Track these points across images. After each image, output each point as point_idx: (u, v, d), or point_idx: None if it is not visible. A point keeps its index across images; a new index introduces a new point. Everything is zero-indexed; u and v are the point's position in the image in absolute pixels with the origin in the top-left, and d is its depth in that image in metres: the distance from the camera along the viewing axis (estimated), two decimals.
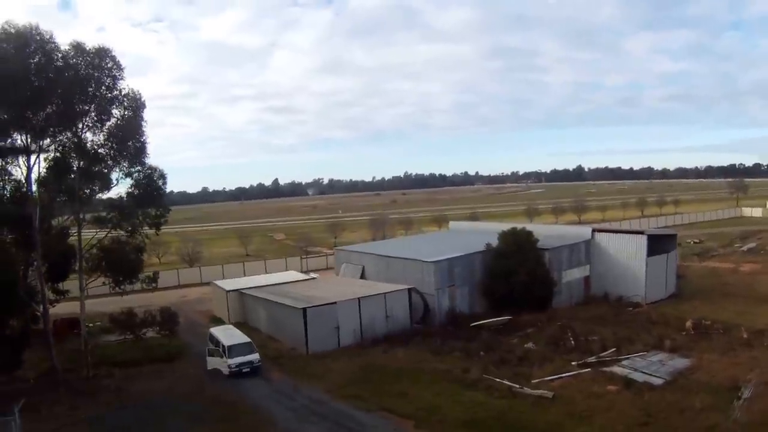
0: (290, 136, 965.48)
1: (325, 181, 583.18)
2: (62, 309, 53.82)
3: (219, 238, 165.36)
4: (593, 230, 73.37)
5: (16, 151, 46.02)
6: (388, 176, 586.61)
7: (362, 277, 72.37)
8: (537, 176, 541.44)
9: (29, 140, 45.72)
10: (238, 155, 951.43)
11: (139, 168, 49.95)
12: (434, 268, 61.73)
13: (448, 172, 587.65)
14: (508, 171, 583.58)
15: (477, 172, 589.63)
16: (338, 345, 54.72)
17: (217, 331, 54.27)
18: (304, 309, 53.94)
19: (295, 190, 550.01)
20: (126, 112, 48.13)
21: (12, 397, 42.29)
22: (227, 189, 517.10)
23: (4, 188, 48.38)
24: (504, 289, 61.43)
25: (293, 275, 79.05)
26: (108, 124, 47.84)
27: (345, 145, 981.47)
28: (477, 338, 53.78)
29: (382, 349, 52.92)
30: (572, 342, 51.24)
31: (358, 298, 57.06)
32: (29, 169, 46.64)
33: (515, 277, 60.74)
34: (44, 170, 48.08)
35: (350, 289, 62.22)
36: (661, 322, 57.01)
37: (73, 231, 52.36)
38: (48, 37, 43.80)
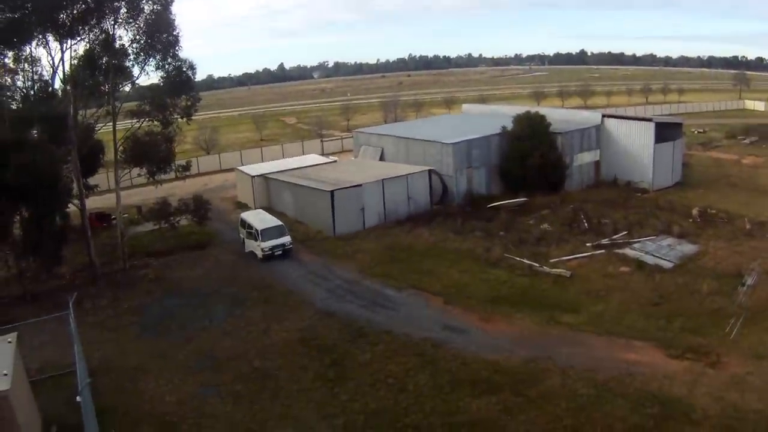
0: (294, 20, 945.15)
1: (330, 64, 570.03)
2: (89, 204, 54.77)
3: (232, 124, 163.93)
4: (603, 116, 73.89)
5: None
6: (392, 58, 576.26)
7: (381, 158, 73.62)
8: (540, 59, 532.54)
9: (59, 40, 45.65)
10: (242, 41, 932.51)
11: (170, 60, 50.08)
12: (453, 149, 63.08)
13: (452, 54, 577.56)
14: (511, 53, 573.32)
15: (480, 54, 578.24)
16: (363, 226, 56.75)
17: (248, 215, 55.48)
18: (332, 192, 55.36)
19: (301, 73, 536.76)
20: (155, 7, 48.09)
21: (52, 294, 44.26)
22: (233, 75, 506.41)
23: (33, 87, 48.54)
24: (519, 171, 63.33)
25: (314, 158, 79.69)
26: (139, 19, 47.87)
27: (349, 27, 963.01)
28: (495, 219, 56.16)
29: (406, 229, 55.19)
30: (585, 224, 53.71)
31: (382, 180, 58.45)
32: (55, 68, 46.97)
33: (530, 159, 62.47)
34: (73, 67, 47.84)
35: (372, 171, 63.56)
36: (667, 208, 59.00)
37: (99, 126, 53.42)
38: None
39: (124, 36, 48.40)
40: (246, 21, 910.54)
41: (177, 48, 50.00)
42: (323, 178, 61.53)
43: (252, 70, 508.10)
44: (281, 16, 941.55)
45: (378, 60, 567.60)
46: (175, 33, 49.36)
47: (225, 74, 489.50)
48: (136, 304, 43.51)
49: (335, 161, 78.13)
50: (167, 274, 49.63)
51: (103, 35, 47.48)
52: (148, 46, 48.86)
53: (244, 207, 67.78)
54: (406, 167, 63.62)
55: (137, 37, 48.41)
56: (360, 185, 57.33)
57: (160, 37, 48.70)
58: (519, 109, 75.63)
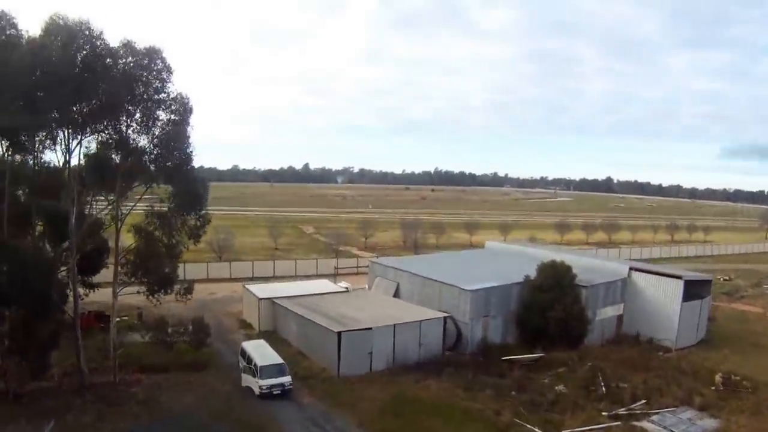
0: (324, 121, 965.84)
1: (356, 170, 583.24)
2: (90, 300, 54.54)
3: (249, 226, 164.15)
4: (630, 269, 72.44)
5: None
6: (417, 170, 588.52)
7: (396, 294, 72.18)
8: (566, 183, 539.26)
9: (69, 134, 45.17)
10: (270, 135, 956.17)
11: (182, 177, 48.52)
12: (471, 296, 61.36)
13: (478, 171, 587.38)
14: (537, 175, 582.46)
15: (506, 174, 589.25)
16: (370, 370, 54.39)
17: (249, 346, 53.46)
18: (339, 333, 53.46)
19: (325, 176, 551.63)
20: (173, 117, 46.90)
21: (37, 398, 43.21)
22: (258, 168, 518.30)
23: (38, 175, 47.43)
24: (538, 323, 61.36)
25: (326, 285, 78.61)
26: (154, 128, 46.64)
27: (377, 134, 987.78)
28: (508, 374, 53.68)
29: (414, 378, 52.57)
30: (603, 388, 51.18)
31: (394, 325, 56.46)
32: (64, 162, 46.40)
33: (551, 312, 60.54)
34: (82, 165, 47.51)
35: (385, 311, 61.81)
36: (690, 372, 56.80)
37: (107, 225, 51.79)
38: (97, 33, 42.76)
39: (137, 142, 47.36)
40: (275, 115, 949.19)
41: (189, 165, 48.72)
42: (332, 314, 59.75)
43: (277, 166, 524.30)
44: (310, 115, 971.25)
45: (404, 170, 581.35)
46: (188, 151, 48.15)
47: (250, 167, 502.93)
48: (120, 428, 41.48)
49: (347, 289, 76.77)
50: (158, 397, 47.49)
51: (117, 136, 46.44)
52: (160, 159, 47.47)
53: (248, 327, 67.59)
54: (420, 311, 61.86)
55: (149, 147, 47.17)
56: (370, 329, 55.31)
57: (172, 152, 47.28)
58: (544, 253, 74.74)
